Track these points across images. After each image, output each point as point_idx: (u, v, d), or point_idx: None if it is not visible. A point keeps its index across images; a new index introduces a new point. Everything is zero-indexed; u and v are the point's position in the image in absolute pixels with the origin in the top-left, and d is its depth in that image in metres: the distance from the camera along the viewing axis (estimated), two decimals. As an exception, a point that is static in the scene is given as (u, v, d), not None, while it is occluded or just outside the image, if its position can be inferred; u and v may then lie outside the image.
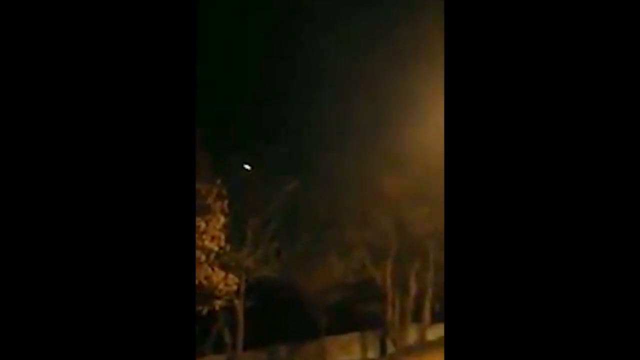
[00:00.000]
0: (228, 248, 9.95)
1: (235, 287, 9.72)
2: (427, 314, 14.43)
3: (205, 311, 9.24)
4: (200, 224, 8.63)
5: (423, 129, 11.71)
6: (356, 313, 13.09)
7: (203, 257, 8.82)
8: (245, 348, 11.24)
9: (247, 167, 11.67)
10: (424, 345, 13.33)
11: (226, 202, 9.26)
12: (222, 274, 9.24)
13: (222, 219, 9.19)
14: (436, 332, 14.92)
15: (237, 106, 11.80)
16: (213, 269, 9.06)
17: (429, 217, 13.01)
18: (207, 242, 8.81)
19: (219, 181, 9.26)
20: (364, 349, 14.29)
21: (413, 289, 14.00)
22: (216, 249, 8.97)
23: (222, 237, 9.19)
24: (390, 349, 14.30)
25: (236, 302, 10.65)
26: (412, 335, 14.27)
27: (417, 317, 14.35)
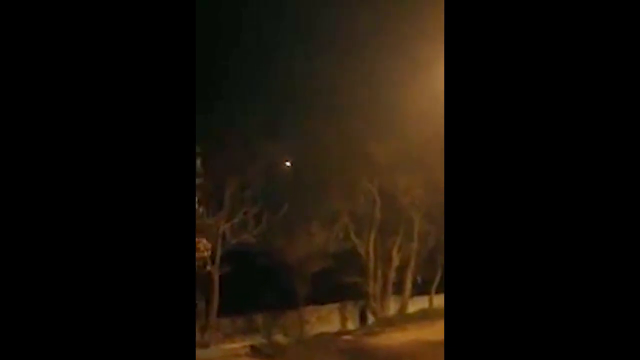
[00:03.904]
0: (201, 211, 9.17)
1: (206, 254, 8.98)
2: (408, 286, 13.84)
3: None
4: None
5: (417, 94, 10.93)
6: (337, 283, 12.43)
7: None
8: (220, 315, 10.55)
9: (287, 164, 10.85)
10: (404, 317, 12.78)
11: (199, 160, 8.44)
12: (192, 239, 8.49)
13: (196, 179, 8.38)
14: (417, 304, 14.43)
15: (217, 64, 10.81)
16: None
17: (417, 186, 12.33)
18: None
19: None
20: (344, 320, 13.71)
21: (396, 260, 13.39)
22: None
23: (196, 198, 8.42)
24: (370, 320, 13.77)
25: (209, 268, 9.88)
26: (392, 307, 13.69)
27: (398, 288, 13.78)
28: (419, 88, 11.08)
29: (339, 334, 10.90)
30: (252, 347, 8.78)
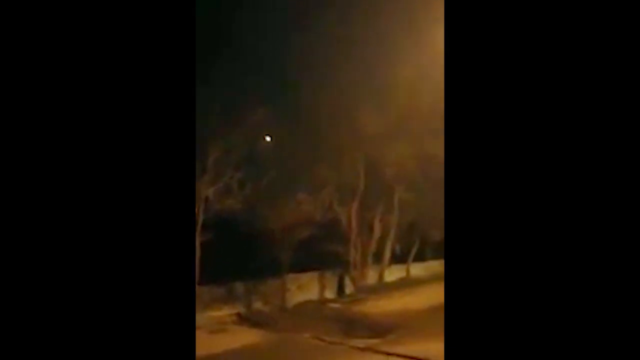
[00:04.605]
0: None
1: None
2: (387, 255, 13.85)
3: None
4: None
5: (409, 64, 10.65)
6: (320, 252, 12.27)
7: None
8: (200, 283, 10.19)
9: (267, 138, 10.33)
10: (384, 286, 12.80)
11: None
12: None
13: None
14: (394, 273, 14.51)
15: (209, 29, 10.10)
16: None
17: (402, 157, 12.17)
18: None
19: None
20: (322, 289, 13.64)
21: (377, 230, 13.33)
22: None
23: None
24: (349, 289, 13.75)
25: (193, 233, 9.45)
26: (371, 276, 13.69)
27: (376, 258, 13.76)
28: (411, 57, 10.82)
29: (324, 301, 10.78)
30: (239, 314, 8.51)
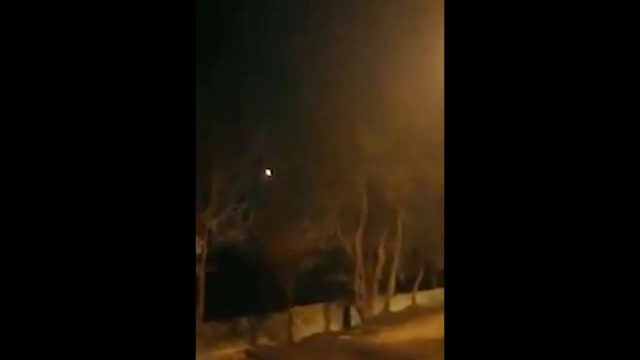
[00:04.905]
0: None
1: (199, 251, 8.22)
2: (392, 284, 13.49)
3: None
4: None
5: (410, 88, 10.62)
6: (325, 282, 11.90)
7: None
8: (205, 319, 9.75)
9: (267, 172, 10.17)
10: (392, 315, 12.41)
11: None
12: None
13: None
14: (401, 302, 14.13)
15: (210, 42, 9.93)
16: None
17: (404, 181, 12.01)
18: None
19: None
20: (328, 321, 13.17)
21: (382, 258, 13.01)
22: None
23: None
24: (354, 320, 13.31)
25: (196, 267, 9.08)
26: (376, 306, 13.28)
27: (382, 287, 13.38)
28: (412, 80, 10.79)
29: (333, 334, 10.36)
30: (247, 352, 8.09)
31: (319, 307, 13.07)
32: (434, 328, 8.88)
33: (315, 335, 10.19)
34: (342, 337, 9.54)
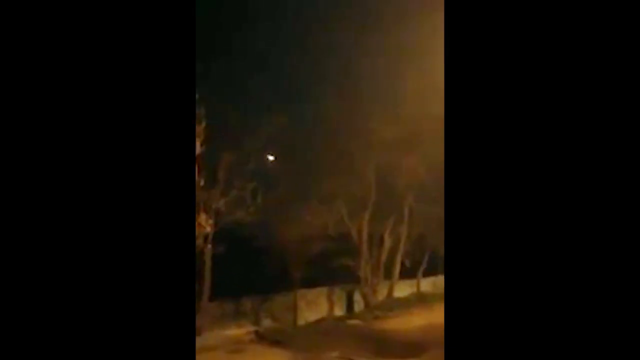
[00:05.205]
0: (202, 183, 8.17)
1: (209, 229, 8.00)
2: (397, 269, 13.37)
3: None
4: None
5: (424, 72, 10.34)
6: (330, 267, 11.75)
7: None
8: (211, 298, 9.58)
9: (270, 158, 9.94)
10: (397, 301, 12.31)
11: (203, 124, 7.42)
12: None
13: (198, 146, 7.38)
14: (404, 288, 14.05)
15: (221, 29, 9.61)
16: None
17: (414, 167, 11.80)
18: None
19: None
20: (331, 305, 13.07)
21: (387, 243, 12.86)
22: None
23: (196, 166, 7.42)
24: (357, 305, 13.22)
25: (209, 245, 8.86)
26: (380, 292, 13.17)
27: (387, 272, 13.26)
28: (422, 66, 10.53)
29: (342, 318, 10.23)
30: (257, 332, 7.93)
31: (322, 291, 12.97)
32: (443, 314, 8.78)
33: (322, 319, 10.05)
34: (350, 322, 9.41)
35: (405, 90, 10.99)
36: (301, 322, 11.43)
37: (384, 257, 12.82)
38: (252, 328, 8.58)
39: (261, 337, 7.74)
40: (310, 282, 12.16)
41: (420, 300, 12.00)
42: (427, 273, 14.86)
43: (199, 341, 7.46)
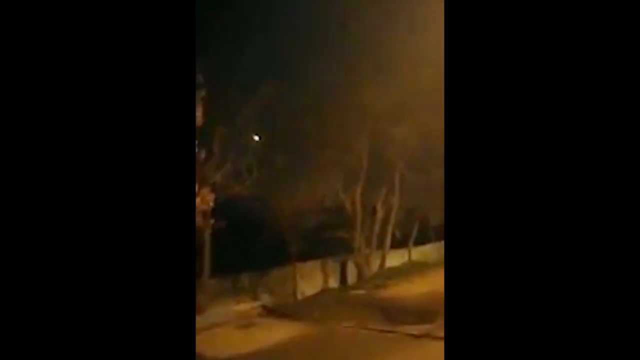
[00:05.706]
0: (203, 155, 7.93)
1: (212, 205, 7.80)
2: (389, 240, 13.48)
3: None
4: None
5: (420, 37, 10.19)
6: (325, 239, 11.74)
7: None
8: (210, 274, 9.44)
9: (256, 137, 9.64)
10: (391, 271, 12.43)
11: (203, 92, 7.13)
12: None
13: (200, 115, 7.10)
14: (395, 258, 14.20)
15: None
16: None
17: (407, 137, 11.77)
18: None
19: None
20: (326, 277, 13.13)
21: (380, 214, 12.91)
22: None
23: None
24: (351, 276, 13.31)
25: (209, 222, 8.65)
26: (374, 262, 13.28)
27: (379, 243, 13.35)
28: (414, 33, 10.39)
29: (343, 289, 10.25)
30: (264, 307, 7.86)
31: (316, 264, 12.98)
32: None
33: (325, 290, 10.06)
34: (353, 292, 9.44)
35: (397, 62, 10.86)
36: (299, 295, 11.44)
37: (377, 227, 12.88)
38: (255, 303, 8.49)
39: (269, 312, 7.68)
40: (305, 255, 12.15)
41: (414, 268, 12.13)
42: (416, 242, 15.05)
43: (206, 318, 7.36)
